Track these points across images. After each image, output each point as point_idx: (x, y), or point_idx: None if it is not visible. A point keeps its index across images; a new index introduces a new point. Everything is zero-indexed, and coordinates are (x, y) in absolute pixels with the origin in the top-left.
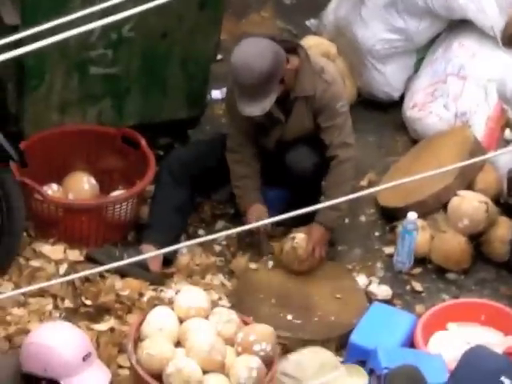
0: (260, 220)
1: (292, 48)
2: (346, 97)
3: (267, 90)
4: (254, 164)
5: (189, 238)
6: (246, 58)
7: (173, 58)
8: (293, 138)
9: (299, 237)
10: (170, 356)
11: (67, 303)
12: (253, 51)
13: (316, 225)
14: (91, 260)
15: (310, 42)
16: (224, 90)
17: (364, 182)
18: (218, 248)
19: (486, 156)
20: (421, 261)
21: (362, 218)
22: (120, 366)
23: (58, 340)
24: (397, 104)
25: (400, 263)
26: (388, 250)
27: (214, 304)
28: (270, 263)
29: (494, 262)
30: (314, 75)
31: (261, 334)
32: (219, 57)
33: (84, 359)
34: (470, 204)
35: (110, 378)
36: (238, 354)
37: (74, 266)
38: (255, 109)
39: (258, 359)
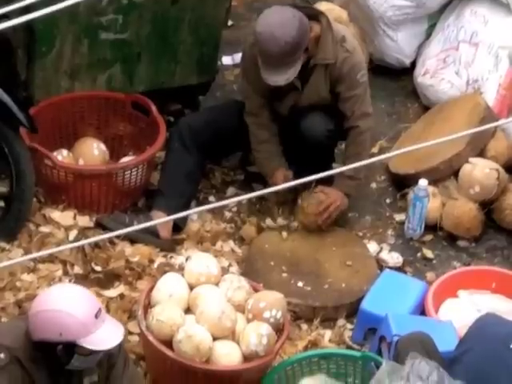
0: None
1: (314, 15)
2: (365, 66)
3: (292, 60)
4: (273, 127)
5: (199, 204)
6: (271, 27)
7: (183, 23)
8: (307, 105)
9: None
10: (180, 322)
11: (77, 269)
12: (278, 20)
13: (335, 189)
14: (101, 226)
15: (321, 8)
16: (235, 56)
17: (375, 149)
18: (228, 214)
19: (498, 123)
20: (432, 228)
21: (373, 185)
22: (130, 333)
23: (67, 303)
24: (408, 71)
25: (411, 230)
26: (399, 217)
27: (225, 270)
28: (283, 233)
29: (505, 229)
30: (336, 43)
31: (271, 301)
32: (230, 23)
33: (96, 316)
34: (482, 171)
35: (123, 331)
36: (249, 320)
37: (83, 232)
38: (280, 78)
39: (269, 326)
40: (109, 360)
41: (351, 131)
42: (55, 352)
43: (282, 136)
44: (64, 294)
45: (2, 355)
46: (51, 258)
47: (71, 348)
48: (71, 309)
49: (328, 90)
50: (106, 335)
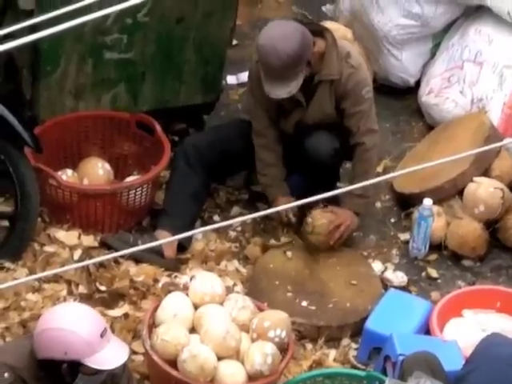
0: (289, 212)
1: (318, 31)
2: (370, 82)
3: (294, 73)
4: (278, 149)
5: (204, 223)
6: (273, 40)
7: (188, 43)
8: (312, 123)
9: (316, 215)
10: (184, 342)
11: (81, 289)
12: (280, 33)
13: (344, 209)
14: (106, 246)
15: None
16: (240, 75)
17: (380, 168)
18: (232, 234)
19: (503, 142)
20: (436, 247)
21: (378, 204)
22: (134, 352)
23: (73, 322)
24: (413, 90)
25: (415, 250)
26: (403, 236)
27: (229, 290)
28: (288, 252)
29: (509, 248)
30: (341, 60)
31: (276, 321)
32: (235, 42)
33: (102, 336)
34: (486, 190)
35: (128, 351)
36: (253, 340)
37: (88, 252)
38: (281, 91)
39: (273, 345)
40: (112, 380)
41: (357, 148)
42: (60, 371)
43: (287, 154)
44: (70, 312)
45: (7, 375)
46: (56, 278)
47: (76, 367)
48: (76, 328)
49: (333, 106)
50: (110, 355)
